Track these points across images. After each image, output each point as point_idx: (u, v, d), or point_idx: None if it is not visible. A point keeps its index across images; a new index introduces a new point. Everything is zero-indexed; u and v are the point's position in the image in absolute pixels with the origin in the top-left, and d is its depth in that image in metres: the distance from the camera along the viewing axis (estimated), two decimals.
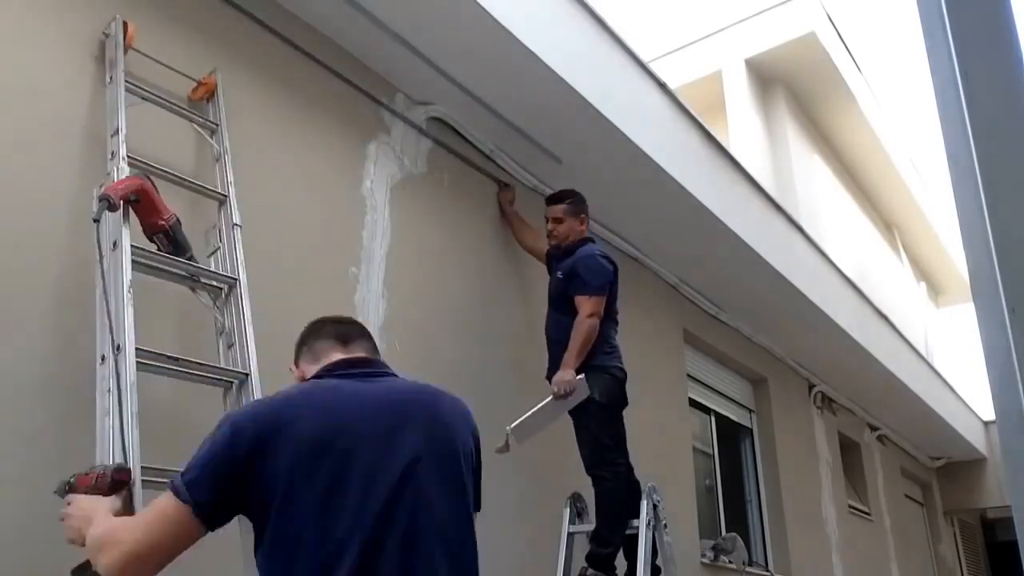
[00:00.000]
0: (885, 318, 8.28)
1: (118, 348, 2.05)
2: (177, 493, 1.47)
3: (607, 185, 4.62)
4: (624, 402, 3.71)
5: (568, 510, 3.73)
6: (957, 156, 1.00)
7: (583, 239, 3.91)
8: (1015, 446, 0.92)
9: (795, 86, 9.47)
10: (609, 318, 3.79)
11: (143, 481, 1.92)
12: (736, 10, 9.31)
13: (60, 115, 2.48)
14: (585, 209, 3.99)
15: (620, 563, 3.60)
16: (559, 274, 3.82)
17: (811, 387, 7.92)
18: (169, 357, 2.27)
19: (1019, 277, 0.93)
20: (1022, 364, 0.91)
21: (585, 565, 3.54)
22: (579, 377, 3.49)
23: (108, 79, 2.54)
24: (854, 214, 11.02)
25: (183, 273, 2.50)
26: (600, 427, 3.59)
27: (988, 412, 11.14)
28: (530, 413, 3.48)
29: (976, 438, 11.18)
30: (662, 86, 4.84)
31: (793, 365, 7.54)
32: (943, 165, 1.02)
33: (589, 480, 3.62)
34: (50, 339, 2.28)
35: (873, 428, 9.37)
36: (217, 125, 2.88)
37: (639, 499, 3.63)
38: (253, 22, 3.19)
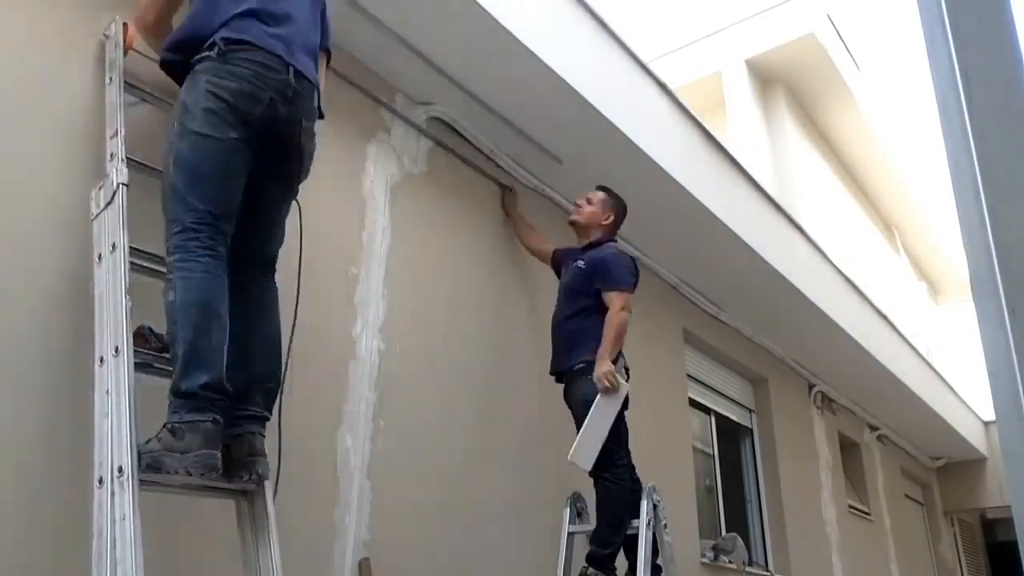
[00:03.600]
0: (885, 318, 8.28)
1: (116, 350, 2.05)
2: None
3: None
4: (627, 404, 3.73)
5: (568, 510, 3.73)
6: (957, 156, 0.99)
7: (609, 239, 3.98)
8: (1015, 446, 0.92)
9: (795, 86, 9.48)
10: None
11: (141, 481, 1.92)
12: (736, 10, 9.32)
13: (59, 116, 2.48)
14: (619, 215, 4.05)
15: (620, 563, 3.60)
16: (581, 263, 3.86)
17: (811, 387, 7.92)
18: (167, 359, 2.26)
19: (1019, 277, 0.93)
20: (1022, 364, 0.91)
21: (585, 565, 3.54)
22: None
23: (108, 80, 2.53)
24: (854, 214, 11.02)
25: None
26: None
27: (988, 412, 11.14)
28: (582, 431, 3.47)
29: (976, 438, 11.18)
30: (662, 86, 4.84)
31: (793, 365, 7.54)
32: (943, 165, 1.02)
33: (589, 480, 3.62)
34: (48, 340, 2.28)
35: (873, 428, 9.37)
36: None
37: (640, 499, 3.63)
38: None
